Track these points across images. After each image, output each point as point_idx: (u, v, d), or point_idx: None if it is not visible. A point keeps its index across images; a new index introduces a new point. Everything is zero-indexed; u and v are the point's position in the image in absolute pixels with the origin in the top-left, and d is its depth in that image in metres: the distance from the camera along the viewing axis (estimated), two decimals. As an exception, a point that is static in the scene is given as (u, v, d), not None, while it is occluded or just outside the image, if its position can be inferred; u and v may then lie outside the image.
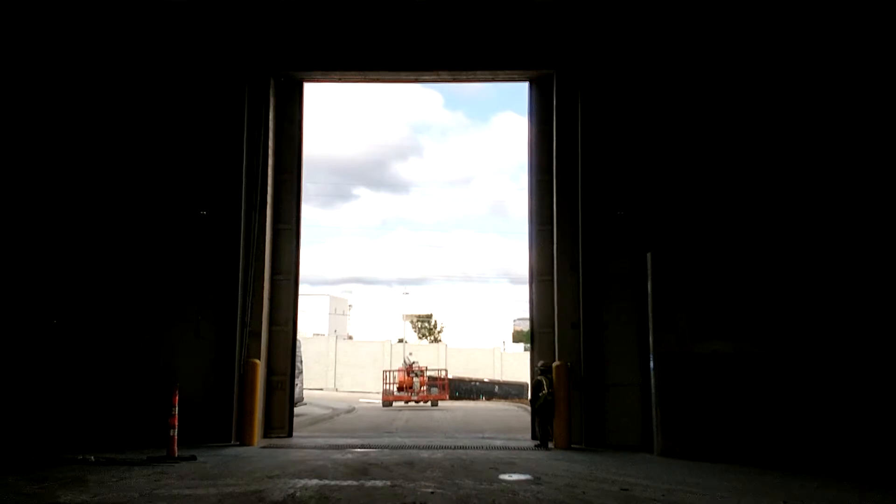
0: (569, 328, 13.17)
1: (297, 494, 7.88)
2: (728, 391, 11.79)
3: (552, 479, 9.14)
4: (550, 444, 12.61)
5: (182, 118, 13.47)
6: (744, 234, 12.73)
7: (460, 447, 12.58)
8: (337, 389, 47.15)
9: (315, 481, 8.69)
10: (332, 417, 24.51)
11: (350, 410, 29.01)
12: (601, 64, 13.51)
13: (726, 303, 12.10)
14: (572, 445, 12.54)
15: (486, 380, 45.29)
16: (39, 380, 12.60)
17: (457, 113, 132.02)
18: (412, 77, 14.77)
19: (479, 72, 14.21)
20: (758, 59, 13.22)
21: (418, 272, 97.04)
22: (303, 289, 14.41)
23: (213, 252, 13.16)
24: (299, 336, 14.53)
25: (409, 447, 12.53)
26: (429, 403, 33.91)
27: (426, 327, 66.46)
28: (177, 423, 10.73)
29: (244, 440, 12.49)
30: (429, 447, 12.53)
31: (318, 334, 56.22)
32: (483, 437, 14.90)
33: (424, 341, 61.79)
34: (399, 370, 36.77)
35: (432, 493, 8.04)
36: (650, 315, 12.24)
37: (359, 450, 12.02)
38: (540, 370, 13.05)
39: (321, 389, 44.87)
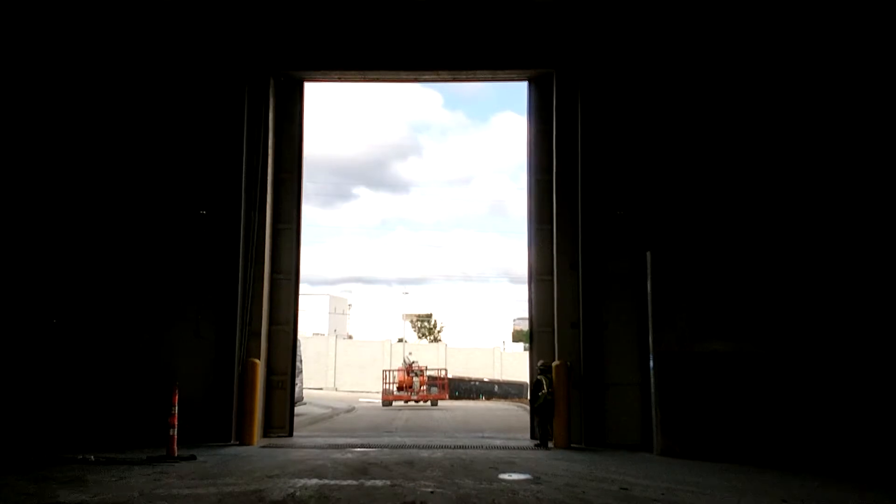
0: (568, 328, 13.17)
1: (297, 494, 7.88)
2: (728, 390, 11.79)
3: (552, 478, 9.14)
4: (550, 444, 12.61)
5: (182, 118, 13.47)
6: (744, 234, 12.74)
7: (460, 447, 12.58)
8: (337, 389, 47.16)
9: (315, 481, 8.69)
10: (331, 417, 24.51)
11: (350, 410, 29.02)
12: (601, 63, 13.51)
13: (726, 302, 12.11)
14: (572, 445, 12.54)
15: (485, 379, 45.29)
16: (39, 379, 12.60)
17: (456, 113, 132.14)
18: (412, 77, 14.77)
19: (478, 71, 14.20)
20: (758, 59, 13.22)
21: (418, 272, 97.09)
22: (303, 288, 14.43)
23: (213, 252, 13.16)
24: (299, 335, 14.52)
25: (409, 447, 12.53)
26: (428, 403, 33.91)
27: (426, 327, 66.45)
28: (176, 423, 10.73)
29: (244, 440, 12.49)
30: (428, 447, 12.53)
31: (317, 334, 56.22)
32: (483, 437, 14.90)
33: (424, 341, 61.80)
34: (399, 370, 36.77)
35: (432, 492, 8.04)
36: (650, 314, 12.25)
37: (358, 449, 12.02)
38: (539, 369, 13.05)
39: (321, 389, 44.89)
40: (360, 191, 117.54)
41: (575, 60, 13.58)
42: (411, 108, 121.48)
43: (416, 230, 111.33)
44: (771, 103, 13.11)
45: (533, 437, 13.56)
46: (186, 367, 12.67)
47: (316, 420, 22.04)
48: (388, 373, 36.82)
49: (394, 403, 33.85)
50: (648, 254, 12.47)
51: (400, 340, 54.82)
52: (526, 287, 14.24)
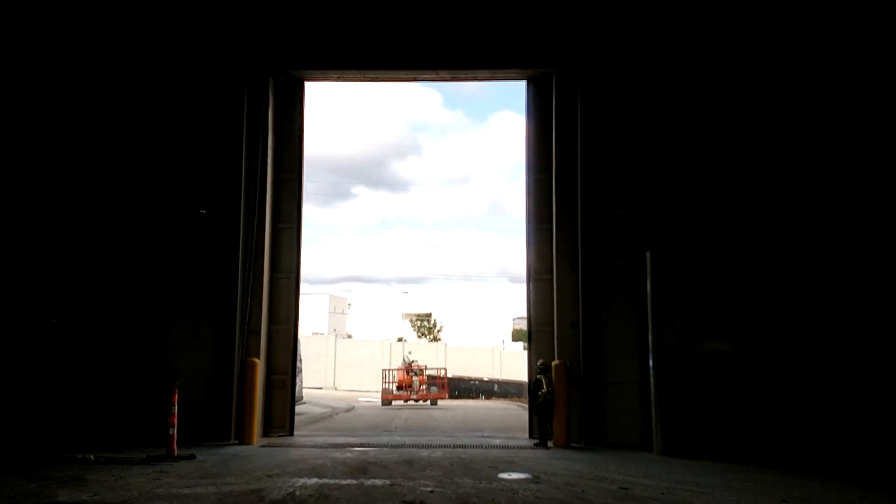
0: (568, 327, 13.18)
1: (297, 493, 7.88)
2: (727, 390, 11.79)
3: (551, 477, 9.14)
4: (550, 443, 12.61)
5: (182, 117, 13.46)
6: (743, 234, 12.74)
7: (459, 446, 12.59)
8: (336, 388, 47.15)
9: (314, 480, 8.69)
10: (331, 416, 24.51)
11: (349, 409, 29.02)
12: (600, 62, 13.51)
13: (726, 302, 12.11)
14: (571, 444, 12.54)
15: (485, 378, 45.28)
16: (39, 379, 12.60)
17: (456, 112, 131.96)
18: (411, 76, 14.77)
19: (478, 70, 14.20)
20: (758, 58, 13.22)
21: (417, 271, 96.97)
22: (302, 287, 14.42)
23: (213, 251, 13.16)
24: (299, 335, 14.51)
25: (409, 446, 12.53)
26: (428, 402, 33.89)
27: (425, 326, 66.42)
28: (176, 422, 10.73)
29: (243, 439, 12.50)
30: (428, 446, 12.53)
31: (317, 333, 56.16)
32: (482, 436, 14.91)
33: (424, 340, 61.76)
34: (398, 369, 36.74)
35: (431, 491, 8.04)
36: (649, 314, 12.25)
37: (358, 448, 12.02)
38: (539, 369, 13.05)
39: (320, 388, 44.88)
40: (360, 190, 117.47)
41: (574, 60, 13.58)
42: (410, 107, 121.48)
43: (415, 229, 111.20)
44: (770, 103, 13.11)
45: (531, 436, 13.56)
46: (186, 367, 12.67)
47: (316, 419, 22.05)
48: (387, 372, 36.81)
49: (393, 403, 33.83)
50: (648, 253, 12.47)
51: (399, 340, 54.80)
52: (525, 286, 14.25)
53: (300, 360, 23.39)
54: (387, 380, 36.04)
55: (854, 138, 12.82)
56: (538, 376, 12.97)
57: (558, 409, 12.61)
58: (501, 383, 44.63)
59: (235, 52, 13.56)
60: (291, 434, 13.65)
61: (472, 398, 41.95)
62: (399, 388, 35.10)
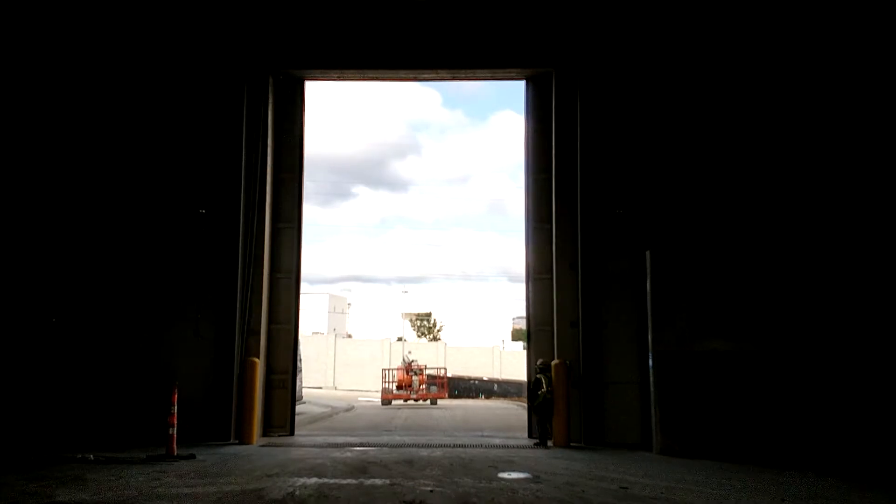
0: (568, 327, 13.18)
1: (297, 493, 7.89)
2: (727, 389, 11.80)
3: (551, 477, 9.15)
4: (549, 443, 12.61)
5: (181, 117, 13.46)
6: (743, 234, 12.74)
7: (459, 445, 12.59)
8: (336, 388, 47.17)
9: (314, 480, 8.70)
10: (331, 416, 24.50)
11: (349, 409, 29.02)
12: (600, 62, 13.51)
13: (725, 302, 12.11)
14: (571, 444, 12.55)
15: (485, 378, 45.29)
16: (39, 378, 12.59)
17: (455, 111, 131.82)
18: (411, 75, 14.76)
19: (478, 70, 14.20)
20: (758, 58, 13.22)
21: (417, 270, 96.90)
22: (302, 287, 14.41)
23: (213, 251, 13.16)
24: (299, 334, 14.51)
25: (409, 445, 12.53)
26: (428, 402, 33.89)
27: (425, 326, 66.43)
28: (176, 422, 10.74)
29: (243, 439, 12.50)
30: (428, 445, 12.53)
31: (317, 333, 56.16)
32: (482, 436, 14.91)
33: (423, 340, 61.77)
34: (398, 368, 36.74)
35: (431, 491, 8.05)
36: (649, 313, 12.25)
37: (358, 448, 12.03)
38: (539, 368, 13.05)
39: (320, 388, 44.90)
40: (359, 189, 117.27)
41: (574, 59, 13.58)
42: (410, 106, 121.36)
43: (415, 229, 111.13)
44: (770, 103, 13.11)
45: (531, 435, 13.57)
46: (186, 367, 12.67)
47: (315, 419, 22.05)
48: (387, 371, 36.81)
49: (393, 402, 33.83)
50: (648, 253, 12.48)
51: (399, 339, 54.79)
52: (524, 286, 14.25)
53: (300, 360, 23.38)
54: (386, 379, 36.04)
55: (853, 139, 12.82)
56: (538, 376, 12.97)
57: (558, 409, 12.62)
58: (501, 383, 44.64)
59: (235, 51, 13.56)
60: (292, 434, 13.66)
61: (472, 398, 41.96)
62: (399, 387, 35.10)
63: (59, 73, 13.45)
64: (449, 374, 40.00)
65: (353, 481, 8.65)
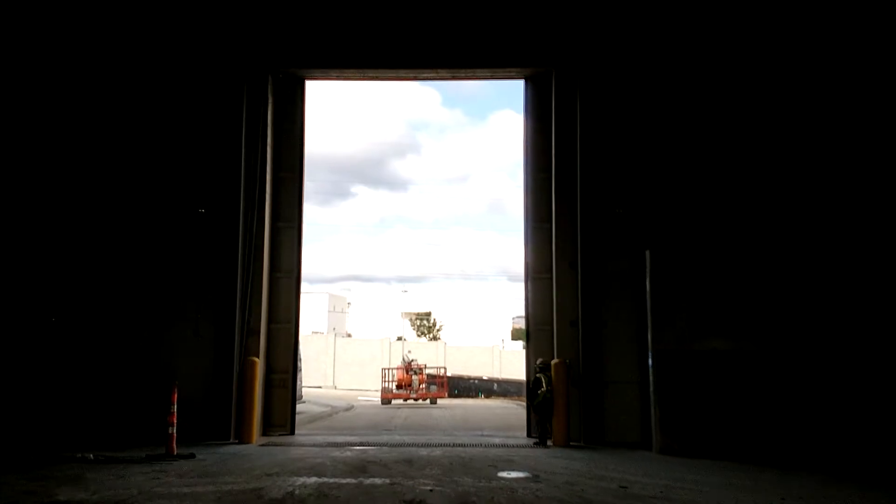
0: (567, 326, 13.18)
1: (297, 492, 7.89)
2: (727, 389, 11.79)
3: (551, 476, 9.15)
4: (549, 442, 12.61)
5: (181, 116, 13.46)
6: (743, 233, 12.74)
7: (459, 445, 12.59)
8: (336, 387, 47.18)
9: (314, 479, 8.70)
10: (330, 415, 24.51)
11: (349, 408, 29.02)
12: (600, 61, 13.51)
13: (725, 300, 12.11)
14: (571, 443, 12.55)
15: (485, 377, 45.30)
16: (38, 378, 12.59)
17: (455, 111, 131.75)
18: (411, 75, 14.75)
19: (477, 69, 14.20)
20: (758, 57, 13.22)
21: (417, 270, 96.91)
22: (302, 286, 14.40)
23: (212, 250, 13.16)
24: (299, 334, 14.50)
25: (408, 445, 12.53)
26: (428, 401, 33.90)
27: (425, 325, 66.46)
28: (175, 422, 10.75)
29: (243, 438, 12.50)
30: (427, 445, 12.53)
31: (316, 332, 56.14)
32: (482, 435, 14.90)
33: (423, 339, 61.77)
34: (398, 368, 36.74)
35: (431, 490, 8.05)
36: (649, 312, 12.25)
37: (358, 447, 12.03)
38: (538, 368, 13.05)
39: (320, 387, 44.90)
40: (359, 189, 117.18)
41: (574, 59, 13.57)
42: (409, 106, 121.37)
43: (414, 228, 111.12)
44: (770, 102, 13.11)
45: (529, 435, 13.58)
46: (185, 366, 12.68)
47: (315, 418, 22.05)
48: (387, 371, 36.82)
49: (393, 402, 33.84)
50: (647, 252, 12.47)
51: (399, 339, 54.78)
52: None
53: (300, 360, 23.41)
54: (386, 379, 36.05)
55: (853, 138, 12.82)
56: (537, 375, 12.97)
57: (558, 408, 12.62)
58: (501, 382, 44.64)
59: (235, 50, 13.55)
60: (293, 433, 13.66)
61: (472, 397, 41.97)
62: (398, 387, 35.11)
63: (58, 73, 13.44)
64: (449, 374, 39.99)
65: (353, 481, 8.65)
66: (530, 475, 9.23)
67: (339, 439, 13.52)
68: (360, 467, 9.72)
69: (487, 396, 42.36)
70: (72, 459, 10.15)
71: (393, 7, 13.75)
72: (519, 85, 14.49)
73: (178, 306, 13.01)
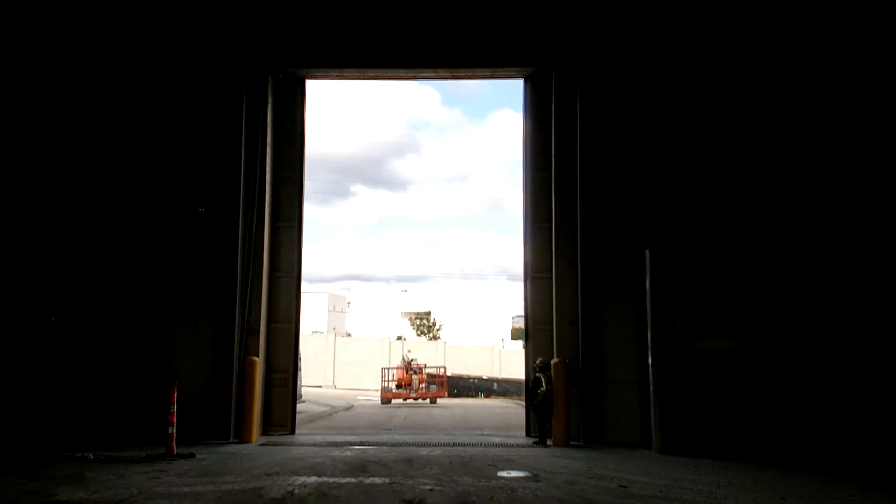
0: (567, 325, 13.18)
1: (296, 492, 7.89)
2: (727, 388, 11.79)
3: (551, 475, 9.15)
4: (549, 441, 12.62)
5: (180, 116, 13.45)
6: (743, 232, 12.74)
7: (459, 444, 12.60)
8: (336, 387, 47.18)
9: (314, 478, 8.70)
10: (330, 415, 24.52)
11: (349, 408, 29.03)
12: (600, 60, 13.51)
13: (725, 300, 12.11)
14: (571, 442, 12.55)
15: (484, 377, 45.32)
16: (38, 377, 12.60)
17: (454, 110, 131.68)
18: (410, 74, 14.75)
19: (477, 69, 14.20)
20: (757, 57, 13.21)
21: (416, 269, 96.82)
22: (301, 286, 14.40)
23: (212, 250, 13.16)
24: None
25: (408, 444, 12.54)
26: (427, 401, 33.91)
27: (425, 325, 66.46)
28: (175, 421, 10.74)
29: (243, 437, 12.50)
30: (427, 444, 12.53)
31: (316, 332, 56.13)
32: (482, 435, 14.91)
33: (423, 338, 61.78)
34: (398, 367, 36.74)
35: (431, 490, 8.05)
36: (649, 312, 12.25)
37: (357, 447, 12.03)
38: (538, 367, 13.05)
39: (320, 387, 44.91)
40: (358, 188, 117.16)
41: (574, 58, 13.57)
42: (408, 105, 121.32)
43: (414, 228, 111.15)
44: (770, 101, 13.11)
45: (529, 434, 13.58)
46: (185, 366, 12.68)
47: (315, 418, 22.06)
48: (386, 370, 36.82)
49: (393, 401, 33.84)
50: (647, 252, 12.47)
51: (399, 338, 54.80)
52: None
53: (300, 359, 23.42)
54: (386, 378, 36.05)
55: (853, 137, 12.82)
56: (537, 374, 12.97)
57: (557, 408, 12.62)
58: (501, 382, 44.66)
59: (234, 50, 13.55)
60: (293, 432, 13.66)
61: (472, 397, 41.99)
62: (398, 386, 35.11)
63: (58, 72, 13.44)
64: (448, 373, 40.00)
65: (353, 480, 8.65)
66: (530, 474, 9.23)
67: (339, 439, 13.52)
68: (360, 467, 9.72)
69: (487, 396, 42.37)
70: (71, 459, 10.14)
71: (392, 6, 13.74)
72: (518, 84, 14.50)
73: (177, 306, 13.01)
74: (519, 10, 13.69)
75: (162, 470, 9.36)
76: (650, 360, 12.14)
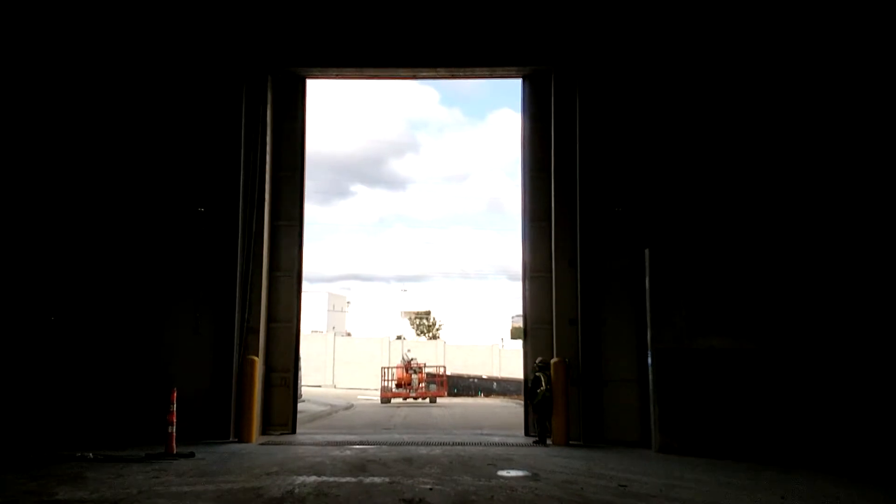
0: (566, 324, 13.19)
1: (296, 491, 7.89)
2: (726, 387, 11.80)
3: (550, 475, 9.16)
4: (548, 441, 12.62)
5: (180, 116, 13.46)
6: (742, 232, 12.75)
7: (458, 444, 12.60)
8: (335, 386, 47.18)
9: (314, 478, 8.70)
10: (330, 414, 24.51)
11: (348, 407, 29.01)
12: (599, 60, 13.51)
13: (724, 299, 12.12)
14: (570, 442, 12.55)
15: (484, 376, 45.30)
16: (38, 376, 12.60)
17: (453, 109, 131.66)
18: (410, 73, 14.75)
19: (476, 68, 14.21)
20: (756, 57, 13.21)
21: (416, 269, 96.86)
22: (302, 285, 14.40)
23: (212, 249, 13.17)
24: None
25: (408, 444, 12.54)
26: (427, 400, 33.89)
27: (424, 324, 66.46)
28: (175, 420, 10.76)
29: (242, 437, 12.51)
30: (427, 444, 12.54)
31: (316, 331, 56.12)
32: (481, 434, 14.91)
33: (423, 338, 61.78)
34: (397, 367, 36.71)
35: (430, 489, 8.05)
36: (648, 311, 12.26)
37: (357, 446, 12.03)
38: (538, 366, 13.05)
39: (319, 386, 44.89)
40: (357, 188, 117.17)
41: (573, 57, 13.57)
42: (408, 104, 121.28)
43: (413, 227, 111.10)
44: (769, 101, 13.11)
45: (528, 433, 13.58)
46: (185, 365, 12.69)
47: (315, 417, 22.05)
48: (386, 370, 36.80)
49: (392, 401, 33.82)
50: (647, 251, 12.48)
51: (398, 338, 54.78)
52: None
53: (300, 359, 23.40)
54: (386, 378, 36.02)
55: (853, 136, 12.82)
56: (537, 374, 12.98)
57: (557, 407, 12.62)
58: (501, 381, 44.64)
59: (234, 50, 13.55)
60: (294, 432, 13.67)
61: (472, 396, 41.97)
62: (398, 386, 35.08)
63: (58, 72, 13.44)
64: (448, 373, 39.99)
65: (353, 479, 8.66)
66: (529, 474, 9.23)
67: (339, 438, 13.52)
68: (360, 466, 9.72)
69: (487, 395, 42.36)
70: (71, 458, 10.15)
71: (392, 6, 13.74)
72: (518, 84, 14.48)
73: (177, 305, 13.02)
74: (518, 10, 13.69)
75: (162, 469, 9.37)
76: (650, 359, 12.14)
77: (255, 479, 8.66)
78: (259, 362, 13.03)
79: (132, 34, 13.57)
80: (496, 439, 13.50)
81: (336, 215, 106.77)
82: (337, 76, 14.84)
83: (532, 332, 13.80)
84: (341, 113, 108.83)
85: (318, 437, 13.54)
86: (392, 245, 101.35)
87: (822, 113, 12.93)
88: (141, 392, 12.47)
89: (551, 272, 13.52)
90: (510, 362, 48.21)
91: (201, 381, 12.71)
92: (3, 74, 13.32)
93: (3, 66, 13.34)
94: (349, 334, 61.52)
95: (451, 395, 39.19)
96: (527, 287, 13.92)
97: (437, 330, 65.45)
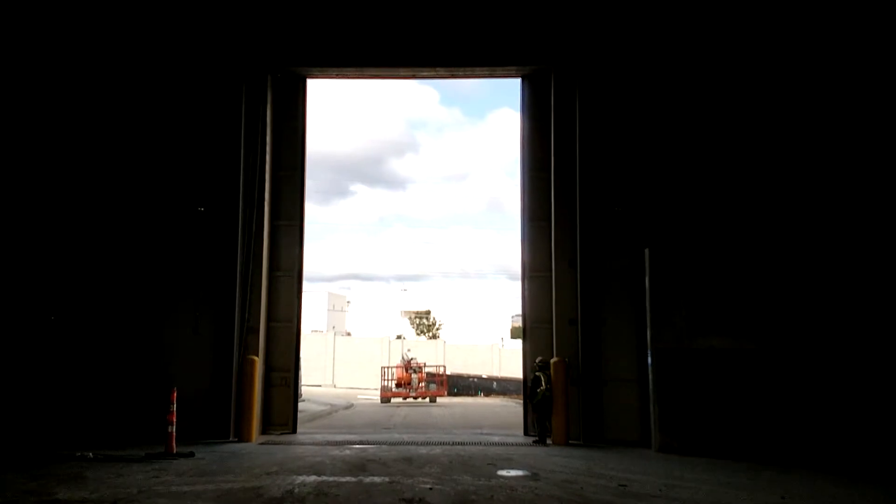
0: (566, 324, 13.19)
1: (296, 491, 7.89)
2: (726, 387, 11.80)
3: (550, 474, 9.16)
4: (548, 440, 12.63)
5: (180, 115, 13.46)
6: (742, 231, 12.74)
7: (458, 443, 12.60)
8: (335, 386, 47.17)
9: (313, 477, 8.70)
10: (330, 414, 24.50)
11: (348, 407, 29.01)
12: (598, 60, 13.51)
13: (724, 299, 12.12)
14: (570, 441, 12.56)
15: (484, 376, 45.29)
16: (38, 376, 12.60)
17: (453, 109, 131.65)
18: (410, 73, 14.75)
19: (476, 68, 14.22)
20: (756, 56, 13.21)
21: (416, 268, 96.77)
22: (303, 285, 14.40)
23: (212, 249, 13.17)
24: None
25: (408, 443, 12.54)
26: (427, 400, 33.88)
27: (424, 324, 66.46)
28: (175, 420, 10.76)
29: (242, 436, 12.51)
30: (427, 443, 12.54)
31: (315, 331, 56.12)
32: (481, 434, 14.91)
33: (423, 338, 61.78)
34: (397, 366, 36.70)
35: (430, 489, 8.06)
36: (648, 311, 12.26)
37: (357, 446, 12.03)
38: (538, 366, 13.06)
39: (319, 386, 44.89)
40: (357, 187, 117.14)
41: (572, 57, 13.58)
42: (407, 104, 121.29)
43: (413, 227, 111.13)
44: (769, 100, 13.11)
45: (527, 433, 13.58)
46: (185, 365, 12.70)
47: (315, 417, 22.05)
48: (386, 369, 36.79)
49: (392, 400, 33.81)
50: (647, 251, 12.48)
51: (398, 337, 54.75)
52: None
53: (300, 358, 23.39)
54: (386, 377, 36.01)
55: (853, 136, 12.81)
56: (536, 373, 12.98)
57: (557, 407, 12.63)
58: (501, 381, 44.62)
59: (234, 49, 13.55)
60: (295, 431, 13.67)
61: (472, 395, 41.96)
62: (398, 385, 35.07)
63: (58, 72, 13.44)
64: (448, 372, 39.97)
65: (353, 479, 8.66)
66: (529, 473, 9.24)
67: (339, 438, 13.52)
68: (360, 466, 9.72)
69: (487, 395, 42.35)
70: (71, 458, 10.15)
71: (392, 6, 13.74)
72: (517, 83, 14.48)
73: (177, 305, 13.02)
74: (518, 10, 13.69)
75: (161, 469, 9.37)
76: (650, 359, 12.15)
77: (254, 478, 8.66)
78: (259, 362, 13.03)
79: (132, 34, 13.57)
80: (496, 439, 13.51)
81: (336, 215, 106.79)
82: (337, 76, 14.84)
83: (532, 331, 13.80)
84: (341, 112, 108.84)
85: (318, 437, 13.55)
86: (392, 245, 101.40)
87: (822, 113, 12.93)
88: (141, 392, 12.47)
89: (551, 272, 13.53)
90: (510, 362, 48.17)
91: (201, 380, 12.71)
92: (4, 74, 13.31)
93: (4, 66, 13.34)
94: (349, 334, 61.52)
95: (451, 394, 39.18)
96: (526, 287, 13.92)
97: (437, 329, 65.44)
